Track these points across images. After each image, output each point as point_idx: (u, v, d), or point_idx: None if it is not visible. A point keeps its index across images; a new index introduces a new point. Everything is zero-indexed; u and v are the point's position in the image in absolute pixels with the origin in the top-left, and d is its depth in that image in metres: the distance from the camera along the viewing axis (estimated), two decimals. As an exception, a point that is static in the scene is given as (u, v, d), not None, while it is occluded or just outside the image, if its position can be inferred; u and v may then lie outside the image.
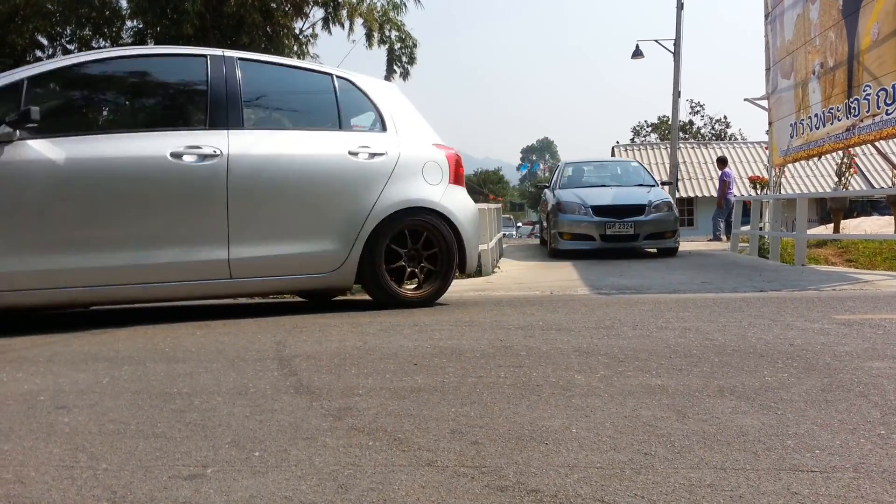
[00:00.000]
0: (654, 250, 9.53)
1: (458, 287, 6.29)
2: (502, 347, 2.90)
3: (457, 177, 4.65)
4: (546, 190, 11.13)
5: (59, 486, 1.57)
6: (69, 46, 22.28)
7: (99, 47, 22.24)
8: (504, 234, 12.76)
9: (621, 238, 8.93)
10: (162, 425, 2.01)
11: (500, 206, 11.60)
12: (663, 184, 10.89)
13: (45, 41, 21.99)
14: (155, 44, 21.01)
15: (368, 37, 20.41)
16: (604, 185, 10.39)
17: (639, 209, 9.06)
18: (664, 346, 2.83)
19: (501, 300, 4.94)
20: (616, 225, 8.92)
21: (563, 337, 3.09)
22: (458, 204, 4.53)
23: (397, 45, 21.07)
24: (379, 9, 20.56)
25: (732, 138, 35.25)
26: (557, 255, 9.32)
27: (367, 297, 4.69)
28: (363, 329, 3.49)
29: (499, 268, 8.29)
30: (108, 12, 20.60)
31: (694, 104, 39.68)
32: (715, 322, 3.35)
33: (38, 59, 22.05)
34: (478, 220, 4.91)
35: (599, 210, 9.09)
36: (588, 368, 2.50)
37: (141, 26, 21.38)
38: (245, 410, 2.13)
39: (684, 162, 26.08)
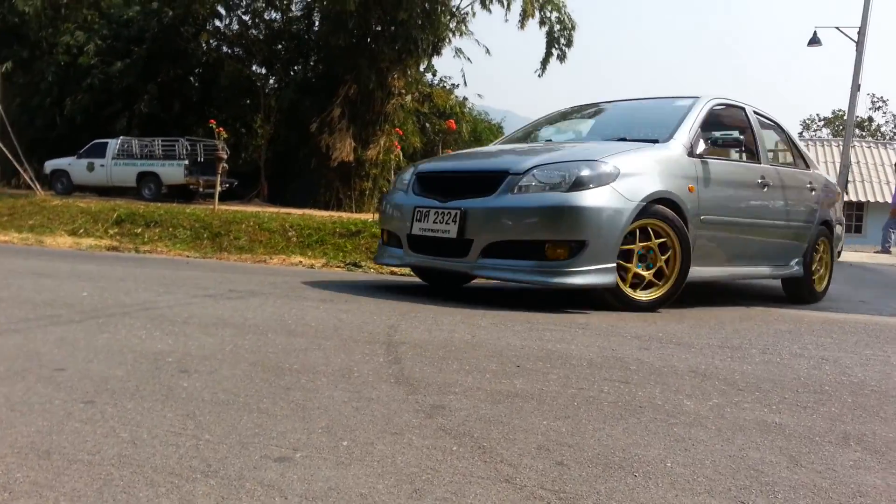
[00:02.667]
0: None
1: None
2: (612, 358, 2.80)
3: None
4: None
5: (164, 453, 1.70)
6: (244, 17, 23.91)
7: (270, 19, 23.70)
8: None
9: (434, 244, 4.08)
10: (267, 401, 2.12)
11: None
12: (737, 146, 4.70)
13: (223, 11, 23.73)
14: (321, 18, 22.09)
15: (523, 17, 20.21)
16: (548, 142, 5.17)
17: (491, 180, 3.93)
18: (793, 376, 2.60)
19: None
20: (430, 214, 4.06)
21: (682, 353, 2.92)
22: None
23: (556, 27, 20.73)
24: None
25: (919, 139, 31.66)
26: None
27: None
28: (475, 321, 3.49)
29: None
30: (280, -16, 21.79)
31: (875, 99, 35.96)
32: (858, 353, 3.03)
33: (217, 28, 23.85)
34: None
35: (427, 180, 4.36)
36: (700, 393, 2.35)
37: (309, 0, 22.51)
38: (344, 395, 2.20)
39: (857, 162, 23.79)
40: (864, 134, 31.74)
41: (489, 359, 2.71)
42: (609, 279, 3.77)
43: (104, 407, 1.99)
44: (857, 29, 15.45)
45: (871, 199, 23.85)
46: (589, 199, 3.69)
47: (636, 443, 1.90)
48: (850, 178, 18.29)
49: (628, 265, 3.93)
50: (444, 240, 4.00)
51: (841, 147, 19.18)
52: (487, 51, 22.64)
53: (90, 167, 18.30)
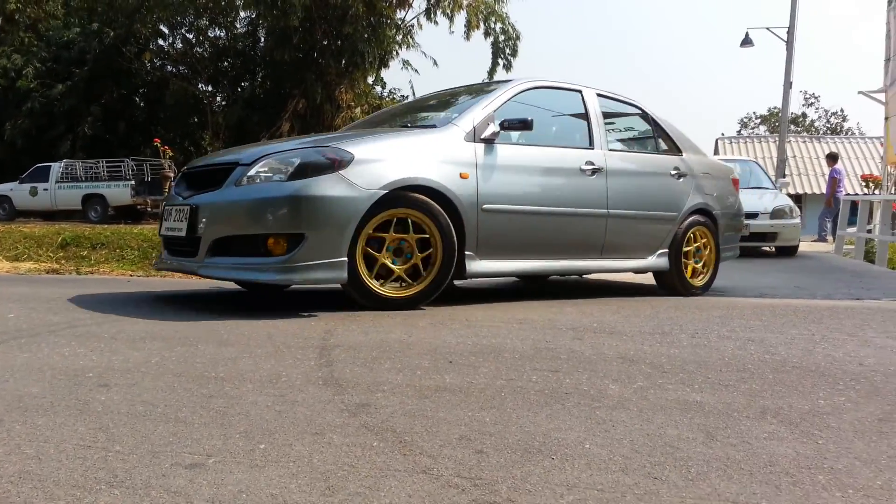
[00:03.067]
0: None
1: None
2: (545, 349, 2.81)
3: None
4: None
5: (69, 466, 1.64)
6: (188, 35, 23.59)
7: (214, 36, 23.43)
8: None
9: (175, 244, 4.00)
10: (186, 410, 2.07)
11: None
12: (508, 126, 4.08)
13: (166, 30, 23.38)
14: (266, 34, 21.94)
15: (468, 29, 20.40)
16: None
17: (224, 173, 3.71)
18: (718, 357, 2.65)
19: (567, 295, 4.80)
20: (173, 213, 3.93)
21: (613, 341, 2.95)
22: None
23: (501, 38, 20.98)
24: (484, 0, 20.42)
25: (849, 133, 32.88)
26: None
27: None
28: (414, 322, 3.47)
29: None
30: (223, 2, 21.62)
31: (808, 96, 37.28)
32: (784, 333, 3.11)
33: (160, 48, 23.46)
34: None
35: (187, 177, 4.18)
36: (626, 378, 2.38)
37: (253, 16, 22.34)
38: (269, 400, 2.16)
39: (794, 156, 24.60)
40: (799, 129, 32.87)
41: (422, 356, 2.70)
42: (339, 275, 3.50)
43: (12, 425, 1.92)
44: (787, 29, 15.98)
45: (808, 191, 24.67)
46: (307, 188, 3.39)
47: (558, 427, 1.90)
48: (787, 172, 18.85)
49: (378, 255, 3.65)
50: (179, 238, 3.78)
51: (777, 142, 19.77)
52: (435, 62, 22.85)
53: (33, 192, 17.80)
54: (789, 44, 15.88)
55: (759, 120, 37.32)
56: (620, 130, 5.35)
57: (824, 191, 13.46)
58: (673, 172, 4.99)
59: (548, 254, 4.37)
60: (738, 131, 37.22)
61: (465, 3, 20.14)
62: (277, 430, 1.90)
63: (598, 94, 4.82)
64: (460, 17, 20.23)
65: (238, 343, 2.98)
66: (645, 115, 5.25)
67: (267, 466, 1.66)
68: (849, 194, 12.65)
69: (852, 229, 9.41)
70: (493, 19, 20.72)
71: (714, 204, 5.21)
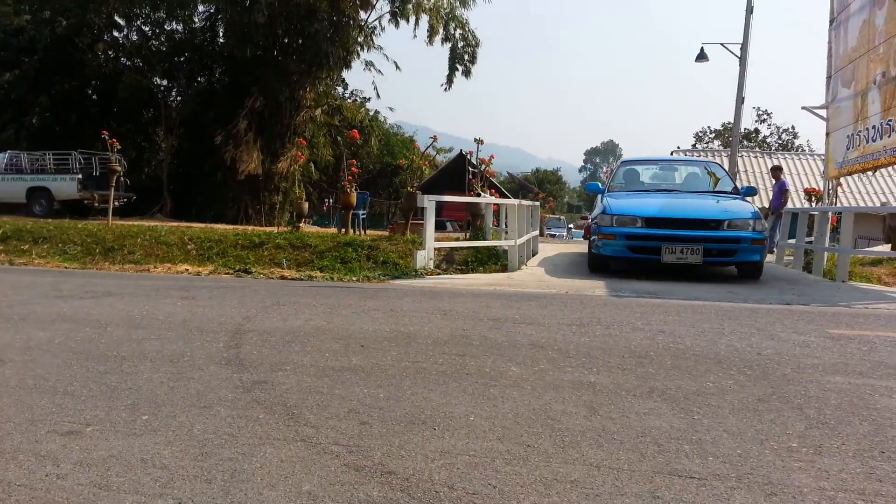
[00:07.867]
0: None
1: (476, 281, 6.21)
2: (460, 336, 2.84)
3: None
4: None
5: (-63, 431, 1.60)
6: (144, 28, 23.09)
7: (171, 30, 22.97)
8: (554, 234, 12.67)
9: None
10: (77, 384, 2.04)
11: (536, 203, 11.34)
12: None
13: (122, 22, 22.83)
14: (225, 29, 21.62)
15: (430, 33, 20.44)
16: None
17: None
18: (625, 345, 2.71)
19: (505, 294, 4.84)
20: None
21: (528, 331, 2.99)
22: None
23: (460, 44, 21.02)
24: (445, 5, 20.49)
25: (799, 149, 33.86)
26: None
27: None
28: (338, 311, 3.47)
29: (526, 265, 8.15)
30: (181, -5, 21.14)
31: (761, 112, 38.23)
32: (696, 327, 3.19)
33: (115, 39, 22.94)
34: None
35: None
36: (530, 361, 2.42)
37: (212, 11, 21.97)
38: (164, 377, 2.14)
39: (745, 170, 25.22)
40: (751, 145, 33.71)
41: (335, 341, 2.70)
42: None
43: None
44: (740, 45, 16.37)
45: (759, 205, 25.34)
46: None
47: (448, 402, 1.93)
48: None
49: None
50: None
51: (730, 156, 20.23)
52: (397, 66, 22.68)
53: (-26, 183, 17.16)
54: (742, 60, 16.24)
55: (713, 134, 38.18)
56: None
57: (772, 203, 13.70)
58: None
59: None
60: (694, 144, 38.02)
61: (427, 6, 20.20)
62: (165, 403, 1.89)
63: None
64: (423, 21, 20.26)
65: (150, 326, 2.94)
66: None
67: (145, 435, 1.64)
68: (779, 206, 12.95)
69: (793, 241, 9.66)
70: (453, 24, 20.79)
71: None
